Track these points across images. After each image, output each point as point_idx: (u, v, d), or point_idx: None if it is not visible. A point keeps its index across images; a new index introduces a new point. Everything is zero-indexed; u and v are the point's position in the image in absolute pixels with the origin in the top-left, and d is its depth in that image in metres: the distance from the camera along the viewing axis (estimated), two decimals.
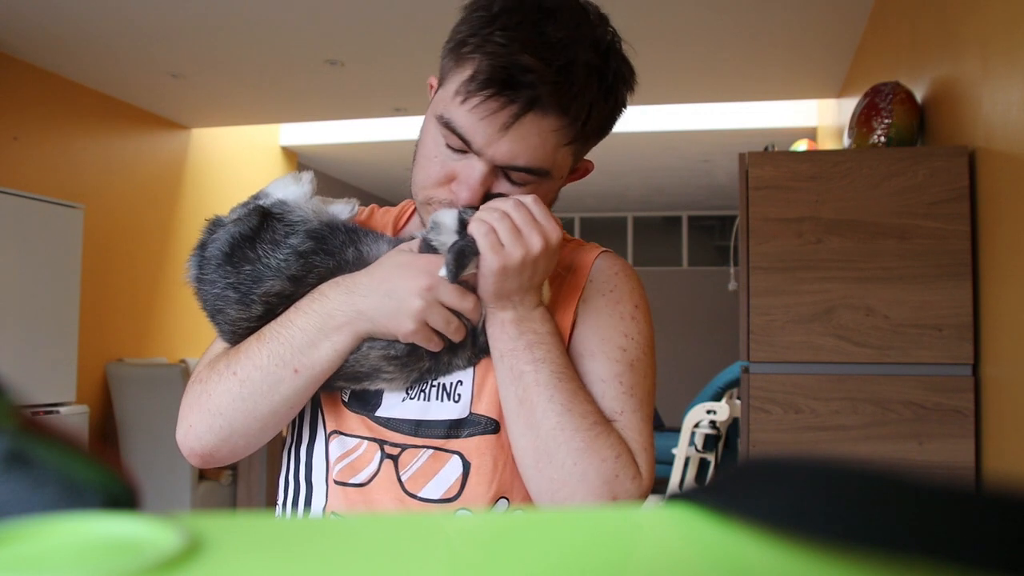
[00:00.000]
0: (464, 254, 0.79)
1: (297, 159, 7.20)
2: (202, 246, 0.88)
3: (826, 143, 5.18)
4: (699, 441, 4.12)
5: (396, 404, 0.88)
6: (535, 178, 0.85)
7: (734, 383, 4.43)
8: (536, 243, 0.79)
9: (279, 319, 0.85)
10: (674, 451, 4.14)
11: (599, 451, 0.80)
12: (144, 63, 4.63)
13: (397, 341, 0.84)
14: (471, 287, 0.83)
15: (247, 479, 4.56)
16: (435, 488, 0.86)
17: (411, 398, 0.88)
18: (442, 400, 0.88)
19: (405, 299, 0.81)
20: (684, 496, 0.34)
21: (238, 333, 0.87)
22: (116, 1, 3.78)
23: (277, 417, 0.86)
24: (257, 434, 0.86)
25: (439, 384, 0.88)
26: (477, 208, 0.83)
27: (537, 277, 0.83)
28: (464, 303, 0.83)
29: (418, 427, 0.87)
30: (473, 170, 0.83)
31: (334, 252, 0.87)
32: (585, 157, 0.94)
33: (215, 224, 0.89)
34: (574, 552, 0.31)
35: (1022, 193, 1.66)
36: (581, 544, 0.32)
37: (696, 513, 0.33)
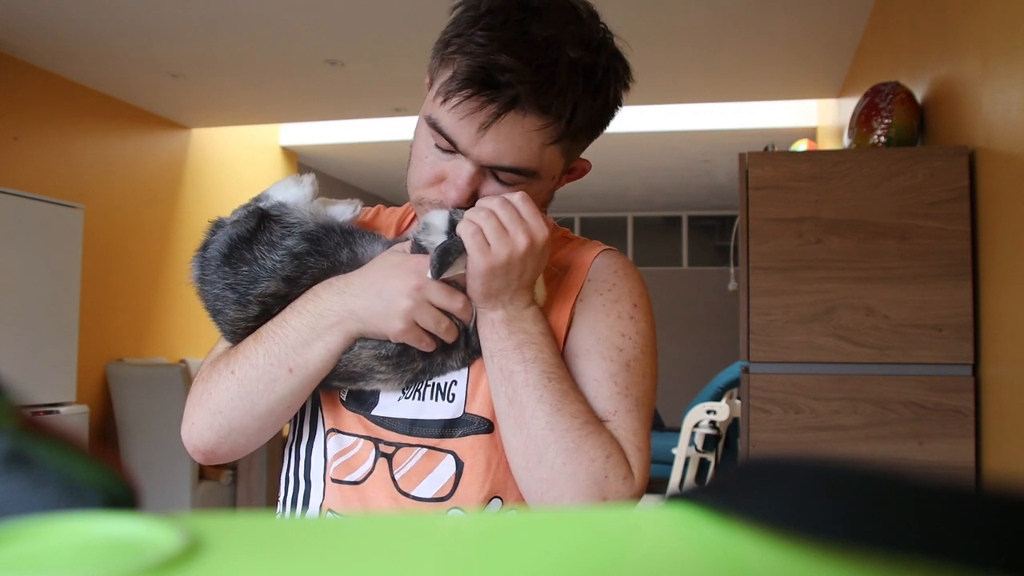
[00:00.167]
0: (448, 252, 0.80)
1: (297, 159, 7.20)
2: (204, 247, 0.90)
3: (826, 143, 5.18)
4: (699, 441, 4.12)
5: (392, 403, 0.89)
6: (523, 178, 0.85)
7: (734, 383, 4.43)
8: (522, 242, 0.79)
9: (275, 319, 0.86)
10: (674, 451, 4.14)
11: (588, 451, 0.80)
12: (144, 63, 4.63)
13: (388, 341, 0.84)
14: (461, 287, 0.84)
15: (247, 479, 4.56)
16: (428, 487, 0.87)
17: (407, 397, 0.89)
18: (436, 400, 0.88)
19: (394, 299, 0.82)
20: (684, 496, 0.34)
21: (237, 333, 0.89)
22: (116, 1, 3.78)
23: (275, 416, 0.87)
24: (256, 432, 0.87)
25: (434, 384, 0.89)
26: (467, 209, 0.83)
27: (526, 276, 0.82)
28: (453, 303, 0.83)
29: (413, 426, 0.88)
30: (461, 170, 0.84)
31: (328, 253, 0.88)
32: (582, 156, 0.93)
33: (217, 226, 0.91)
34: (573, 552, 0.31)
35: (1022, 193, 1.66)
36: (580, 544, 0.32)
37: (696, 513, 0.33)
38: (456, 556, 0.31)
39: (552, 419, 0.80)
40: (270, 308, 0.87)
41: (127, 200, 5.33)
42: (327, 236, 0.89)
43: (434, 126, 0.84)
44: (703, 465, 4.24)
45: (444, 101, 0.81)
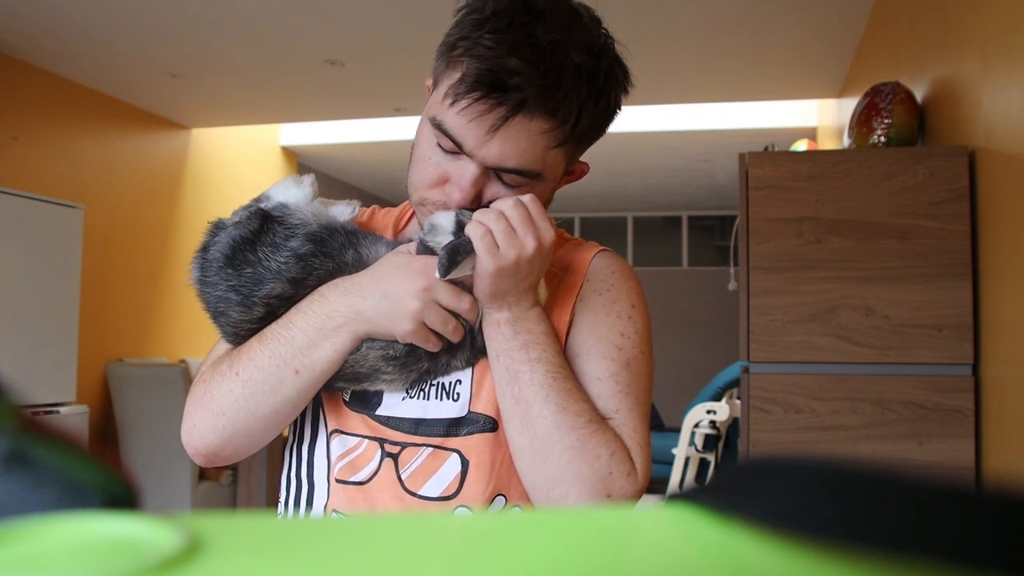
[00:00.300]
0: (457, 252, 0.81)
1: (297, 159, 7.20)
2: (204, 249, 0.89)
3: (826, 143, 5.18)
4: (699, 441, 4.12)
5: (396, 403, 0.89)
6: (527, 180, 0.86)
7: (734, 383, 4.43)
8: (530, 244, 0.80)
9: (280, 320, 0.86)
10: (674, 451, 4.14)
11: (594, 449, 0.81)
12: (144, 63, 4.63)
13: (396, 342, 0.85)
14: (467, 288, 0.84)
15: (247, 479, 4.57)
16: (434, 486, 0.87)
17: (411, 397, 0.89)
18: (441, 399, 0.89)
19: (402, 300, 0.82)
20: (684, 496, 0.34)
21: (240, 334, 0.88)
22: (116, 1, 3.78)
23: (279, 417, 0.87)
24: (260, 434, 0.87)
25: (438, 383, 0.89)
26: (473, 210, 0.84)
27: (532, 278, 0.84)
28: (460, 304, 0.84)
29: (418, 426, 0.89)
30: (465, 171, 0.84)
31: (333, 255, 0.88)
32: (581, 158, 0.95)
33: (217, 227, 0.90)
34: (573, 552, 0.31)
35: (1022, 193, 1.66)
36: (580, 544, 0.32)
37: (696, 513, 0.33)
38: (455, 556, 0.31)
39: (558, 418, 0.82)
40: (275, 310, 0.87)
41: (127, 200, 5.33)
42: (331, 237, 0.89)
43: (439, 127, 0.84)
44: (703, 465, 4.24)
45: (453, 103, 0.82)
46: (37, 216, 4.13)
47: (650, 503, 0.40)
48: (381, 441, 0.89)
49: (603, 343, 0.89)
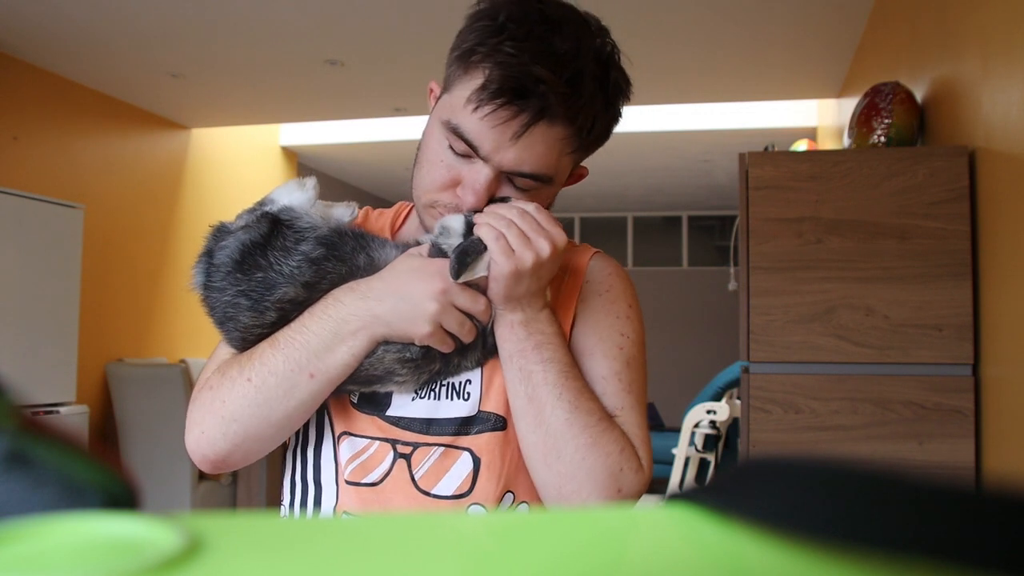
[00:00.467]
0: (466, 253, 0.82)
1: (297, 159, 7.20)
2: (208, 253, 0.88)
3: (826, 143, 5.18)
4: (699, 441, 4.12)
5: (406, 403, 0.90)
6: (538, 184, 0.88)
7: (734, 383, 4.43)
8: (545, 247, 0.82)
9: (292, 325, 0.86)
10: (674, 451, 4.14)
11: (605, 446, 0.84)
12: (144, 63, 4.63)
13: (412, 344, 0.86)
14: (482, 290, 0.86)
15: (247, 479, 4.57)
16: (447, 485, 0.89)
17: (420, 397, 0.90)
18: (452, 399, 0.90)
19: (421, 302, 0.84)
20: (684, 496, 0.34)
21: (248, 340, 0.88)
22: (116, 1, 3.78)
23: (291, 421, 0.87)
24: (271, 439, 0.88)
25: (448, 383, 0.91)
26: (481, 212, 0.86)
27: (544, 280, 0.86)
28: (477, 306, 0.86)
29: (429, 425, 0.90)
30: (479, 175, 0.86)
31: (345, 258, 0.88)
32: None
33: (220, 231, 0.90)
34: (573, 552, 0.31)
35: (1022, 193, 1.66)
36: (580, 544, 0.32)
37: (696, 513, 0.33)
38: (455, 556, 0.31)
39: (571, 416, 0.84)
40: (287, 314, 0.87)
41: (127, 200, 5.33)
42: (341, 240, 0.89)
43: (455, 131, 0.85)
44: (703, 465, 4.24)
45: (476, 108, 0.83)
46: (37, 216, 4.13)
47: (650, 503, 0.40)
48: (393, 442, 0.90)
49: (605, 343, 0.92)
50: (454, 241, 0.85)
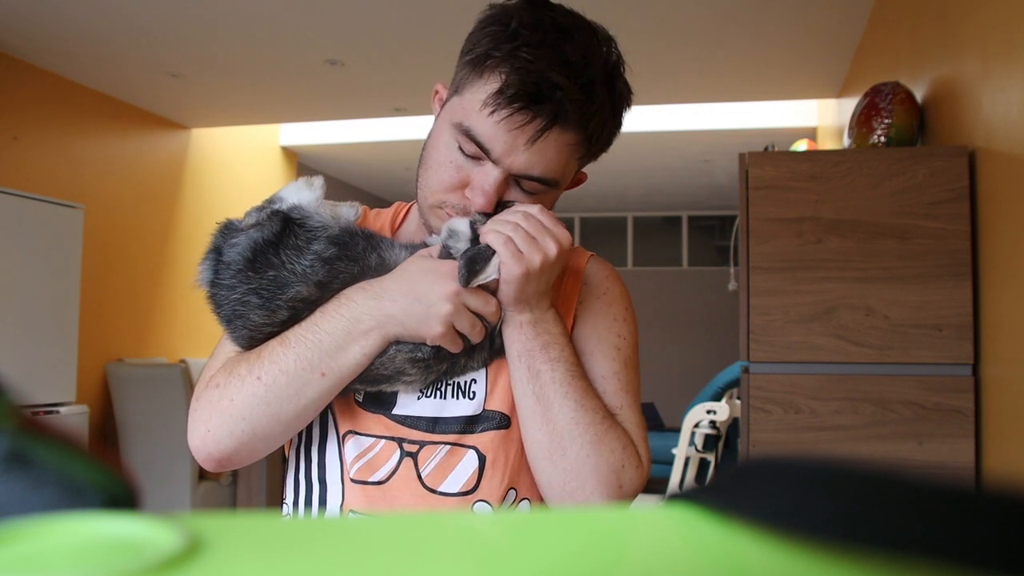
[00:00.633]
0: (474, 262, 0.83)
1: (297, 159, 7.20)
2: (217, 250, 0.88)
3: (826, 143, 5.18)
4: (699, 441, 4.12)
5: (412, 402, 0.91)
6: (545, 188, 0.90)
7: (734, 383, 4.43)
8: (552, 247, 0.84)
9: (303, 324, 0.86)
10: (674, 451, 4.14)
11: (608, 443, 0.86)
12: (144, 63, 4.63)
13: (423, 344, 0.86)
14: (491, 291, 0.87)
15: (247, 479, 4.56)
16: (454, 482, 0.90)
17: (426, 396, 0.91)
18: (457, 398, 0.92)
19: (434, 303, 0.84)
20: (684, 496, 0.34)
21: (257, 338, 0.88)
22: (116, 1, 3.78)
23: (300, 420, 0.88)
24: (278, 437, 0.88)
25: (454, 383, 0.92)
26: (488, 215, 0.87)
27: (551, 280, 0.88)
28: (488, 307, 0.87)
29: (435, 424, 0.91)
30: (488, 177, 0.87)
31: (357, 258, 0.89)
32: None
33: (228, 228, 0.89)
34: (573, 552, 0.31)
35: (1022, 193, 1.66)
36: (580, 544, 0.32)
37: (696, 513, 0.33)
38: (454, 555, 0.31)
39: (577, 414, 0.86)
40: (299, 313, 0.87)
41: (127, 200, 5.33)
42: (352, 240, 0.90)
43: (466, 133, 0.86)
44: (703, 465, 4.24)
45: (492, 112, 0.84)
46: (37, 216, 4.13)
47: (650, 503, 0.40)
48: (399, 440, 0.91)
49: (604, 343, 0.94)
50: (462, 245, 0.86)
